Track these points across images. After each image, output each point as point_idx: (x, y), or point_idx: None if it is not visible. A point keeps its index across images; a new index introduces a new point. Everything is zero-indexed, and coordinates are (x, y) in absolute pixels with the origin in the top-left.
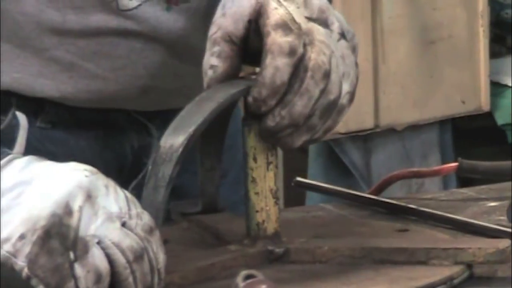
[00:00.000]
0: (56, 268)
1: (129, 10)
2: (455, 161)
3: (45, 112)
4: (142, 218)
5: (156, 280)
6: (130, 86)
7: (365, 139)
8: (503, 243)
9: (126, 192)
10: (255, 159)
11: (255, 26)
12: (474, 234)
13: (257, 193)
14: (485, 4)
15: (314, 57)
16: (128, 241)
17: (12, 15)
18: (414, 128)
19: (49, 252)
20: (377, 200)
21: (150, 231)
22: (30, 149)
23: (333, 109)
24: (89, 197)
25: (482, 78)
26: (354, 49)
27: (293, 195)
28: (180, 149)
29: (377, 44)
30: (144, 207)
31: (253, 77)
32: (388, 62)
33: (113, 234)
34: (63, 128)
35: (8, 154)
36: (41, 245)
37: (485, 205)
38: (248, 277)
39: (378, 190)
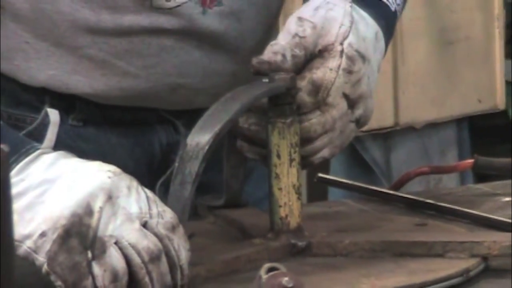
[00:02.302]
0: (74, 266)
1: (164, 9)
2: (472, 157)
3: (77, 110)
4: (163, 217)
5: (178, 276)
6: (160, 84)
7: (385, 136)
8: None
9: (148, 191)
10: (278, 156)
11: None
12: (490, 228)
13: (280, 189)
14: (500, 7)
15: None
16: (146, 242)
17: (48, 14)
18: (433, 126)
19: (68, 250)
20: (396, 195)
21: (172, 228)
22: (62, 146)
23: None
24: (110, 198)
25: (497, 78)
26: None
27: (316, 190)
28: (206, 147)
29: (396, 45)
30: (171, 202)
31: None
32: (407, 63)
33: (131, 235)
34: (94, 126)
35: (37, 149)
36: (60, 244)
37: (500, 200)
38: (271, 269)
39: (398, 186)
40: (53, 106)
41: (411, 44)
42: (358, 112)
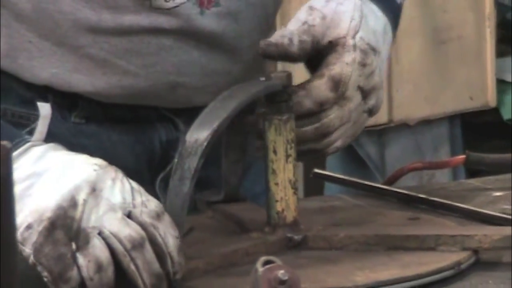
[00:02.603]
0: (59, 257)
1: (163, 9)
2: (464, 153)
3: (79, 108)
4: (147, 206)
5: (168, 263)
6: (160, 83)
7: (379, 133)
8: (508, 230)
9: (133, 182)
10: (275, 152)
11: None
12: (481, 222)
13: (277, 184)
14: (491, 7)
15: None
16: (128, 230)
17: (50, 14)
18: (426, 123)
19: (54, 242)
20: (390, 190)
21: (157, 216)
22: (65, 143)
23: None
24: (94, 190)
25: (489, 76)
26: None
27: (312, 185)
28: (205, 143)
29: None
30: (171, 197)
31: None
32: (401, 61)
33: (113, 224)
34: (96, 123)
35: (28, 141)
36: (46, 235)
37: (491, 195)
38: (267, 262)
39: (392, 181)
40: (56, 104)
41: (405, 43)
42: (371, 102)
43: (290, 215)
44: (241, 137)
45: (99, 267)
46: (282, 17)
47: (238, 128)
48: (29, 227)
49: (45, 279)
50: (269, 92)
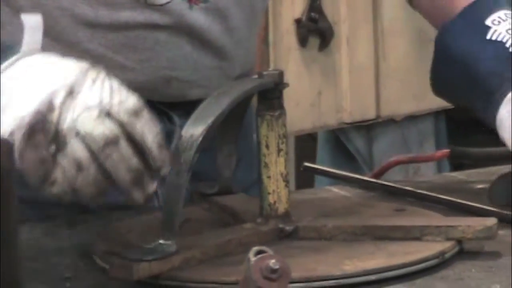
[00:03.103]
0: (41, 161)
1: (156, 5)
2: (448, 148)
3: None
4: (125, 104)
5: (149, 159)
6: (155, 77)
7: (367, 128)
8: (490, 221)
9: (115, 82)
10: (267, 147)
11: None
12: (464, 213)
13: (269, 177)
14: None
15: None
16: (101, 129)
17: (49, 10)
18: (412, 118)
19: (34, 146)
20: (377, 183)
21: (134, 114)
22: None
23: None
24: (71, 92)
25: None
26: None
27: (303, 178)
28: (200, 138)
29: (378, 43)
30: (168, 190)
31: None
32: (388, 59)
33: (87, 124)
34: None
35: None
36: (26, 140)
37: (474, 187)
38: (259, 252)
39: (379, 174)
40: None
41: (392, 42)
42: None
43: (281, 207)
44: (234, 132)
45: (80, 167)
46: (274, 17)
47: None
48: (11, 134)
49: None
50: (261, 89)
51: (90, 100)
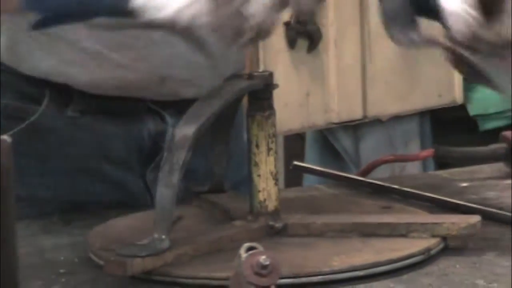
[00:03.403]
0: (234, 14)
1: None
2: (433, 147)
3: (74, 102)
4: None
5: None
6: (149, 75)
7: (354, 128)
8: (474, 218)
9: None
10: (257, 146)
11: None
12: (449, 211)
13: (259, 175)
14: None
15: None
16: None
17: None
18: (397, 118)
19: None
20: (364, 181)
21: None
22: (62, 136)
23: None
24: None
25: (456, 75)
26: None
27: (292, 177)
28: (192, 138)
29: (365, 45)
30: (161, 188)
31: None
32: (374, 61)
33: None
34: (90, 117)
35: None
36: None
37: (458, 186)
38: (250, 249)
39: (366, 173)
40: (52, 99)
41: (378, 44)
42: None
43: (271, 205)
44: (225, 132)
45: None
46: None
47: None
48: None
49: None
50: (251, 90)
51: None
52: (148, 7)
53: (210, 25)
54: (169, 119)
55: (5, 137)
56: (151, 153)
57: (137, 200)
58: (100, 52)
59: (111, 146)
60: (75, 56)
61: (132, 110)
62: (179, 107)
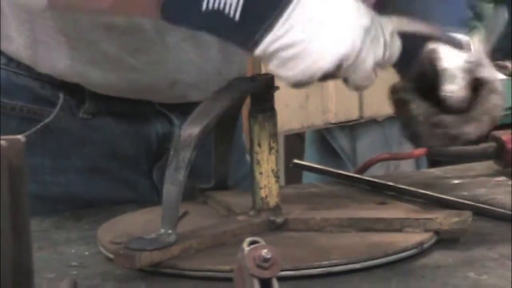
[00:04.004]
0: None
1: None
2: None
3: (87, 104)
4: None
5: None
6: (161, 79)
7: (351, 128)
8: (465, 214)
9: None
10: (259, 145)
11: None
12: (441, 207)
13: (261, 173)
14: None
15: None
16: None
17: (71, 13)
18: (393, 118)
19: None
20: (361, 178)
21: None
22: (75, 136)
23: None
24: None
25: None
26: None
27: (292, 174)
28: (197, 138)
29: None
30: (167, 185)
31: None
32: None
33: None
34: (101, 118)
35: None
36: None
37: (450, 183)
38: (252, 243)
39: (362, 170)
40: (66, 101)
41: None
42: None
43: (272, 201)
44: (228, 132)
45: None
46: None
47: (226, 124)
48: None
49: None
50: (254, 91)
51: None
52: None
53: None
54: (176, 121)
55: (19, 136)
56: (159, 153)
57: (145, 197)
58: (116, 54)
59: (121, 146)
60: (91, 57)
61: (141, 112)
62: (186, 109)
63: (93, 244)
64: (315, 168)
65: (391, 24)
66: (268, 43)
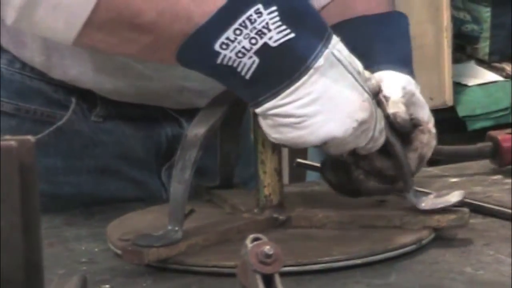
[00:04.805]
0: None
1: None
2: None
3: (98, 108)
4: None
5: None
6: (169, 86)
7: None
8: (463, 211)
9: None
10: (263, 145)
11: None
12: None
13: (265, 172)
14: (448, 20)
15: None
16: None
17: None
18: None
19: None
20: None
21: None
22: (87, 139)
23: None
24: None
25: (446, 79)
26: None
27: (296, 173)
28: (203, 137)
29: None
30: (174, 184)
31: None
32: None
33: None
34: (112, 121)
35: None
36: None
37: (447, 181)
38: (255, 239)
39: None
40: (78, 105)
41: None
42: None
43: (276, 198)
44: (233, 132)
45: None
46: None
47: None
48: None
49: None
50: None
51: None
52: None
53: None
54: (185, 124)
55: (29, 136)
56: (168, 154)
57: (154, 196)
58: (126, 62)
59: (131, 148)
60: (102, 64)
61: (151, 116)
62: (195, 113)
63: (102, 241)
64: (318, 167)
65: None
66: (269, 107)
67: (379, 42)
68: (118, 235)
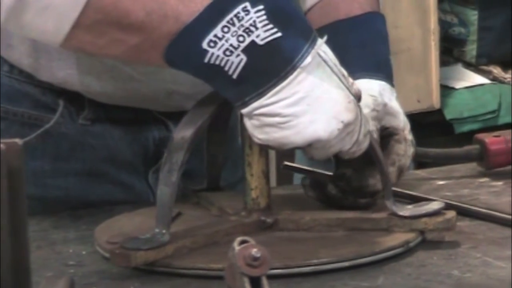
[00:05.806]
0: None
1: None
2: None
3: (86, 111)
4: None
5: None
6: (158, 89)
7: None
8: (449, 214)
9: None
10: (250, 147)
11: None
12: None
13: (252, 175)
14: (436, 23)
15: None
16: None
17: None
18: None
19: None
20: None
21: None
22: (74, 141)
23: None
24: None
25: (433, 82)
26: None
27: (283, 176)
28: (190, 140)
29: None
30: (161, 186)
31: None
32: None
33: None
34: (100, 124)
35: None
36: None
37: (435, 184)
38: (242, 242)
39: None
40: (66, 108)
41: None
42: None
43: (263, 201)
44: (220, 134)
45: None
46: None
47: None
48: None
49: None
50: None
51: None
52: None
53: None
54: (172, 127)
55: (16, 140)
56: (155, 157)
57: (141, 199)
58: (114, 65)
59: (119, 151)
60: (90, 67)
61: (139, 119)
62: (182, 117)
63: (90, 244)
64: (305, 169)
65: (370, 124)
66: (256, 107)
67: (352, 48)
68: (105, 238)
